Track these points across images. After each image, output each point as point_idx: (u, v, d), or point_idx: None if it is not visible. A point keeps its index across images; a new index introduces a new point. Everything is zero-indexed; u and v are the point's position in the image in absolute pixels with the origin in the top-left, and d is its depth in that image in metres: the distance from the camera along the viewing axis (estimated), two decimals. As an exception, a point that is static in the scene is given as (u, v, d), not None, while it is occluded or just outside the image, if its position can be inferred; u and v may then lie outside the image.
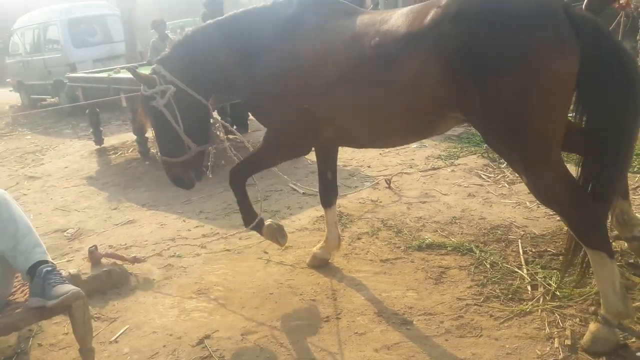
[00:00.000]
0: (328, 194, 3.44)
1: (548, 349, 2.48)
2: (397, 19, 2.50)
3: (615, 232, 3.01)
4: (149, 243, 4.19)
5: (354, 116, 2.73)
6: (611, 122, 2.24)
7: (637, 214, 2.95)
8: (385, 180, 4.97)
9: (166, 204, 5.13)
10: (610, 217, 2.81)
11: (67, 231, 4.68)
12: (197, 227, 4.45)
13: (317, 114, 2.82)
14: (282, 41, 2.85)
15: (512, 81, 2.13)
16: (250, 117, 7.98)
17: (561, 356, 2.41)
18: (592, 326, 2.43)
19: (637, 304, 2.68)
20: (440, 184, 4.89)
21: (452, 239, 3.69)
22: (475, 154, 5.63)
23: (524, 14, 2.15)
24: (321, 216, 4.33)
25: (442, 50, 2.25)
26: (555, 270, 3.09)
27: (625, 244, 3.05)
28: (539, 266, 3.17)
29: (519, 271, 3.14)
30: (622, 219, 2.84)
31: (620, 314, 2.35)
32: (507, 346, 2.53)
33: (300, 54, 2.79)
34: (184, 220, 4.62)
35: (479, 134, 6.17)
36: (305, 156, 6.04)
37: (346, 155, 6.15)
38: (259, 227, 3.42)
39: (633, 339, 2.42)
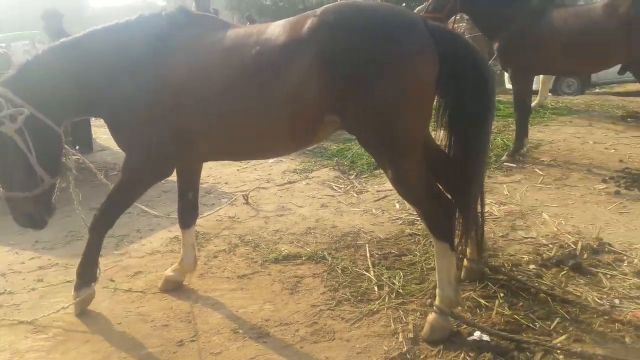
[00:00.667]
0: (188, 214, 3.35)
1: (394, 343, 2.64)
2: (274, 29, 2.57)
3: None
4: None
5: (236, 128, 2.70)
6: (470, 121, 2.48)
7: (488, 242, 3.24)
8: (243, 196, 4.96)
9: (-6, 235, 4.56)
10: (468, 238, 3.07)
11: None
12: (32, 258, 4.02)
13: (194, 129, 2.75)
14: (154, 57, 2.74)
15: (382, 86, 2.32)
16: (94, 136, 7.51)
17: (405, 349, 2.59)
18: (430, 317, 2.66)
19: (467, 294, 2.98)
20: (296, 196, 5.02)
21: (307, 249, 3.79)
22: (327, 167, 5.88)
23: (392, 25, 2.37)
24: (174, 237, 4.20)
25: (322, 57, 2.36)
26: (398, 270, 3.33)
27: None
28: (384, 267, 3.39)
29: (367, 273, 3.33)
30: (476, 239, 3.04)
31: (452, 303, 2.61)
32: (358, 346, 2.65)
33: (173, 69, 2.70)
34: (17, 253, 4.14)
35: (330, 149, 6.50)
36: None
37: (203, 173, 5.98)
38: (84, 292, 3.09)
39: (464, 326, 2.68)
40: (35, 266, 3.86)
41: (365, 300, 3.06)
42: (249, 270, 3.55)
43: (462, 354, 2.49)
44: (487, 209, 4.25)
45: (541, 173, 5.06)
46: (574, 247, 3.46)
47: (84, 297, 3.08)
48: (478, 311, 2.83)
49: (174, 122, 2.73)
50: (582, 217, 3.99)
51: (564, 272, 3.16)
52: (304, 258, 3.64)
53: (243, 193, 5.02)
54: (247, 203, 4.88)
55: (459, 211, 2.62)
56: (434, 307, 2.65)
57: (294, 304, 3.10)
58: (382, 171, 5.49)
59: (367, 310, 2.93)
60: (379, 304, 2.99)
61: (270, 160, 6.25)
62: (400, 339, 2.67)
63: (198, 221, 4.45)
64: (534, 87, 6.44)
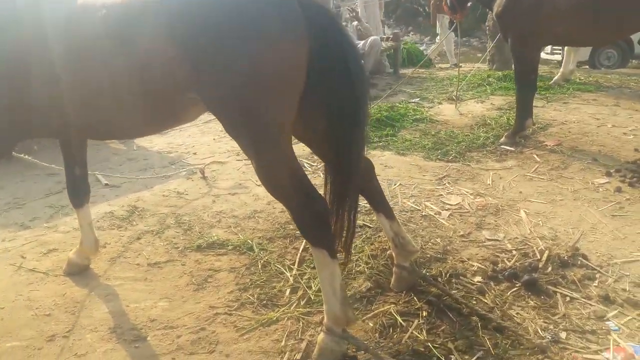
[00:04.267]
0: (77, 192, 2.99)
1: (277, 365, 2.23)
2: None
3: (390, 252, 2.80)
4: None
5: (85, 104, 2.28)
6: (336, 117, 2.12)
7: (412, 240, 2.74)
8: (200, 170, 4.58)
9: (-53, 196, 4.39)
10: (388, 240, 2.70)
11: None
12: (-39, 224, 3.80)
13: (38, 102, 2.33)
14: None
15: (237, 62, 1.91)
16: None
17: (287, 373, 2.18)
18: (319, 337, 2.23)
19: (386, 307, 2.51)
20: (261, 173, 4.58)
21: (240, 236, 3.38)
22: (307, 140, 5.39)
23: None
24: (110, 212, 3.89)
25: (173, 25, 1.95)
26: (323, 271, 2.87)
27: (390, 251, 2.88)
28: (311, 265, 2.94)
29: (287, 272, 2.89)
30: (398, 242, 2.61)
31: (339, 320, 2.18)
32: (235, 364, 2.26)
33: (12, 33, 2.27)
34: (-47, 215, 3.95)
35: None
36: (122, 143, 5.62)
37: (177, 140, 5.70)
38: None
39: (362, 352, 2.22)
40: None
41: (271, 305, 2.64)
42: (164, 258, 3.18)
43: (347, 389, 2.05)
44: (458, 200, 3.75)
45: (538, 160, 4.41)
46: (539, 257, 2.89)
47: None
48: (390, 331, 2.36)
49: (11, 93, 2.31)
50: (566, 218, 3.37)
51: (515, 289, 2.63)
52: (229, 247, 3.24)
53: (200, 166, 4.63)
54: (204, 177, 4.50)
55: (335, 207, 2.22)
56: (323, 326, 2.21)
57: (193, 303, 2.72)
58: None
59: (266, 319, 2.51)
60: (282, 311, 2.56)
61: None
62: (292, 359, 2.25)
63: (144, 195, 4.18)
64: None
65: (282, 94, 1.99)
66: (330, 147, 2.22)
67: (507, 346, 2.21)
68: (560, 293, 2.58)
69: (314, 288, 2.71)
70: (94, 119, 2.37)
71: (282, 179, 2.10)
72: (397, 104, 6.54)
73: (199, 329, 2.50)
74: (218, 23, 1.90)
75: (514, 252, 3.00)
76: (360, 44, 8.02)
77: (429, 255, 2.98)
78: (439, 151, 4.78)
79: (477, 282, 2.70)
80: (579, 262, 2.83)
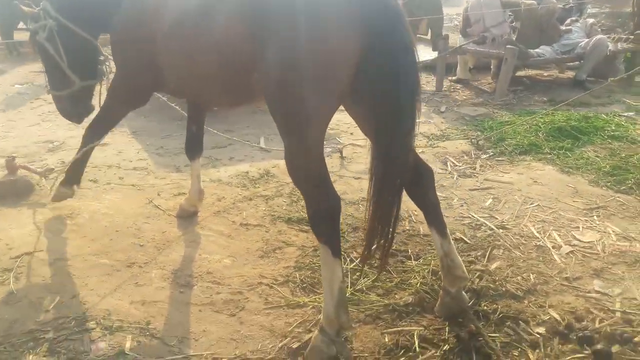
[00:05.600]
0: (192, 147, 3.40)
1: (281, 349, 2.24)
2: None
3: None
4: (89, 166, 4.44)
5: (181, 68, 2.62)
6: (379, 117, 2.05)
7: (463, 265, 2.43)
8: (339, 149, 4.66)
9: (150, 134, 5.35)
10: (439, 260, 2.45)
11: (54, 143, 5.15)
12: (140, 159, 4.60)
13: (158, 61, 2.75)
14: None
15: (284, 50, 2.00)
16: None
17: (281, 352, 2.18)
18: (314, 334, 2.19)
19: (408, 328, 2.27)
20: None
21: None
22: (468, 138, 5.00)
23: None
24: (245, 172, 4.26)
25: (241, 6, 2.15)
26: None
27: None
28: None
29: (342, 265, 2.81)
30: (446, 263, 2.37)
31: (332, 323, 2.11)
32: (245, 332, 2.34)
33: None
34: (138, 152, 4.82)
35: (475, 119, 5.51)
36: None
37: (347, 118, 5.84)
38: (64, 190, 3.47)
39: (349, 361, 2.08)
40: (132, 167, 4.40)
41: (308, 290, 2.66)
42: (257, 222, 3.39)
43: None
44: (595, 238, 3.09)
45: None
46: (643, 329, 2.23)
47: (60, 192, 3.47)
48: (400, 353, 2.15)
49: (146, 51, 2.71)
50: None
51: (580, 356, 2.10)
52: (312, 225, 3.29)
53: (340, 146, 4.71)
54: (342, 157, 4.58)
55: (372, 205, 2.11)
56: (319, 325, 2.13)
57: (250, 267, 2.88)
58: (522, 158, 4.44)
59: (294, 302, 2.52)
60: (313, 299, 2.54)
61: (422, 119, 5.64)
62: (289, 345, 2.24)
63: (281, 163, 4.46)
64: None
65: (318, 83, 1.98)
66: (374, 139, 2.15)
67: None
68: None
69: (357, 287, 2.60)
70: (184, 84, 2.66)
71: (303, 164, 2.11)
72: (602, 115, 5.56)
73: (237, 291, 2.65)
74: (276, 10, 1.99)
75: (618, 314, 2.38)
76: (583, 42, 6.95)
77: (503, 289, 2.56)
78: (614, 177, 3.96)
79: (537, 333, 2.23)
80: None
